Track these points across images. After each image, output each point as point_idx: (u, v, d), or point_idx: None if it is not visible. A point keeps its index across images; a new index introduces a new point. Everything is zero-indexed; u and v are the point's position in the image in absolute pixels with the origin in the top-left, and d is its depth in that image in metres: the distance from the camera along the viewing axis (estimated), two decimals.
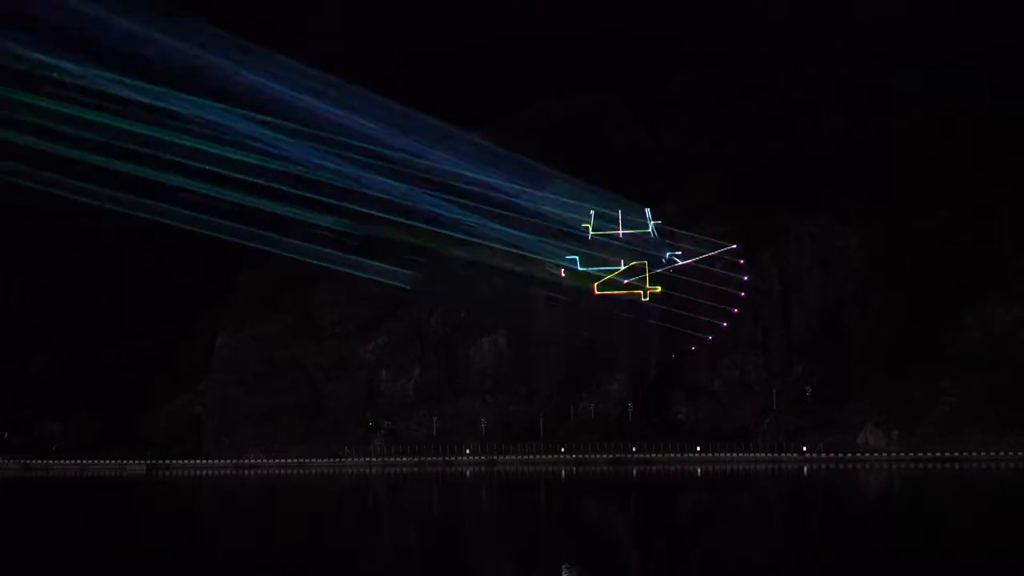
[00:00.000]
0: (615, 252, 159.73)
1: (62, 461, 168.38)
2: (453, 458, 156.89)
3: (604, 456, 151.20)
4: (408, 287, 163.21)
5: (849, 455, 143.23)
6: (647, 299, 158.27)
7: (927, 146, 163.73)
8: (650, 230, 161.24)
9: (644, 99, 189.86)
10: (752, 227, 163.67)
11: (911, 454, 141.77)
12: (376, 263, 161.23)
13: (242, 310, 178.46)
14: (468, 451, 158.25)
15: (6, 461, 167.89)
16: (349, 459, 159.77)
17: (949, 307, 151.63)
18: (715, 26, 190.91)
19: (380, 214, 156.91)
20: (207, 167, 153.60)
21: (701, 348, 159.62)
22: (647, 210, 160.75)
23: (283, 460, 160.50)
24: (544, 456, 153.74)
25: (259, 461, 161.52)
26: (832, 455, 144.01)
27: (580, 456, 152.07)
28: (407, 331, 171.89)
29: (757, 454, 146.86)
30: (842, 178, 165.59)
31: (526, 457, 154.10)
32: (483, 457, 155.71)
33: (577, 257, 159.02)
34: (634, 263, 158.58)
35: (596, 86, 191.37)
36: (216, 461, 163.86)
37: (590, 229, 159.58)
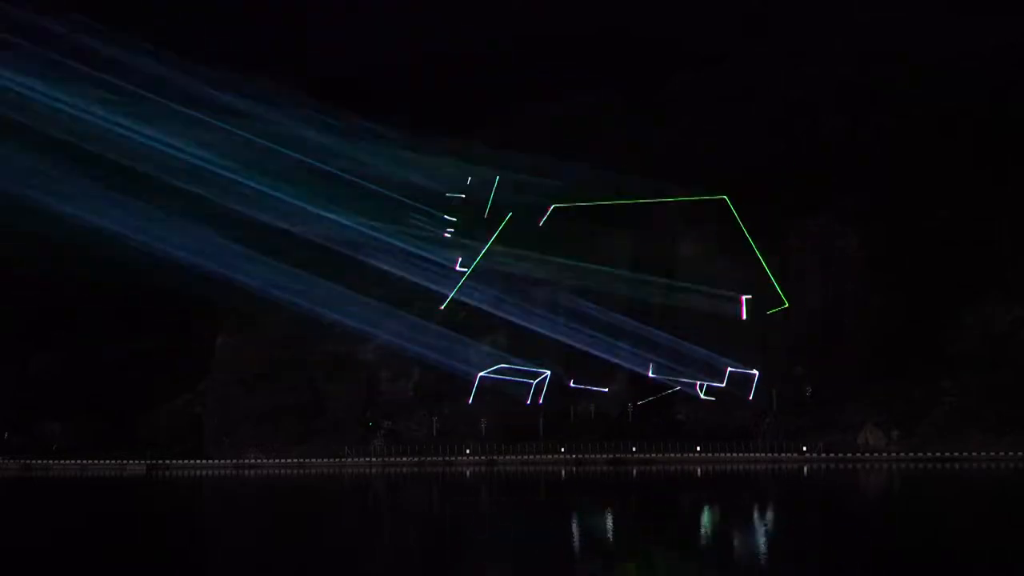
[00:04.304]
0: None
1: (62, 461, 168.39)
2: (453, 458, 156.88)
3: (604, 456, 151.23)
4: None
5: (849, 455, 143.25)
6: None
7: (927, 146, 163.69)
8: None
9: (644, 99, 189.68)
10: (752, 227, 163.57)
11: (911, 454, 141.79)
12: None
13: (242, 310, 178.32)
14: (468, 451, 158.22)
15: (6, 461, 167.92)
16: (349, 459, 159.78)
17: (949, 307, 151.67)
18: (715, 26, 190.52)
19: None
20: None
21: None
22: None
23: (283, 460, 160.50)
24: (544, 456, 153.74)
25: (259, 461, 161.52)
26: (832, 455, 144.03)
27: (580, 456, 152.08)
28: (407, 331, 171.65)
29: (757, 454, 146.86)
30: (842, 178, 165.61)
31: (526, 457, 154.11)
32: (483, 457, 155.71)
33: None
34: None
35: (596, 86, 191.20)
36: (216, 461, 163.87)
37: None
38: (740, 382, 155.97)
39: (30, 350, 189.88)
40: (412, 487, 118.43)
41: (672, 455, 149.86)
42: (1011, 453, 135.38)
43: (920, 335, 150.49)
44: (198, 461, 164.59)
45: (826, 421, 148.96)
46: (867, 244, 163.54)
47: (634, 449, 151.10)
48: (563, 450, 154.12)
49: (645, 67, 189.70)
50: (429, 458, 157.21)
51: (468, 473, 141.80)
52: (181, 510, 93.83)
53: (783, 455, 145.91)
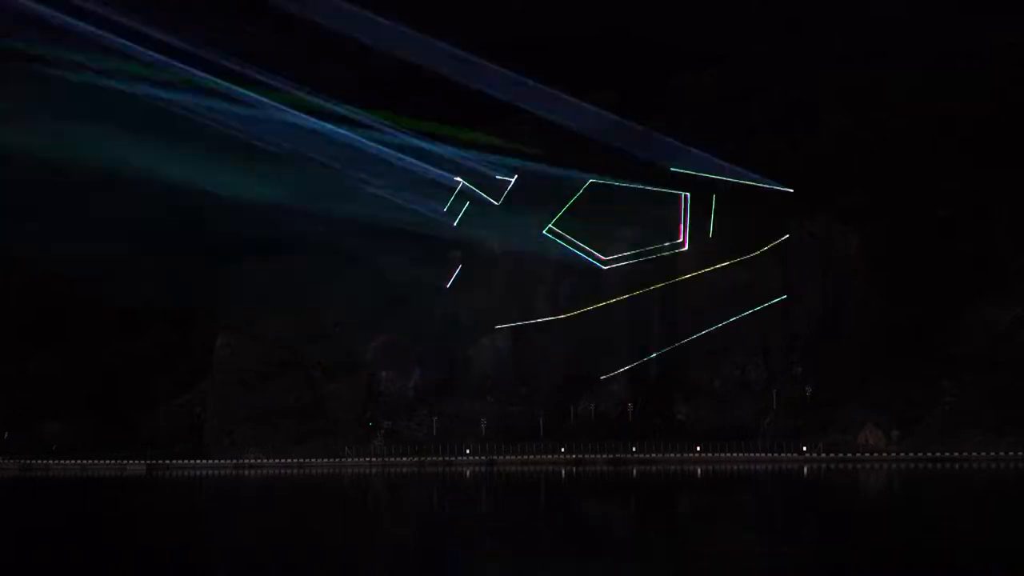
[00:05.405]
0: None
1: (62, 461, 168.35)
2: (453, 458, 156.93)
3: (604, 456, 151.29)
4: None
5: (849, 455, 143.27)
6: None
7: (927, 146, 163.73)
8: None
9: (644, 99, 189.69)
10: (752, 227, 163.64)
11: (911, 454, 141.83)
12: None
13: (242, 310, 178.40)
14: (468, 451, 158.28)
15: (6, 461, 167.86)
16: (349, 459, 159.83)
17: (949, 307, 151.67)
18: (715, 26, 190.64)
19: None
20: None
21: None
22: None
23: (283, 460, 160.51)
24: (544, 456, 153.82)
25: (259, 461, 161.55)
26: (832, 455, 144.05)
27: (580, 456, 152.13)
28: (407, 331, 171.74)
29: (757, 454, 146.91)
30: (842, 178, 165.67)
31: (526, 457, 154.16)
32: (483, 457, 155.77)
33: None
34: None
35: (596, 86, 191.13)
36: (216, 461, 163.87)
37: None
38: None
39: (30, 350, 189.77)
40: (412, 487, 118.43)
41: (672, 455, 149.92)
42: (1011, 453, 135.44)
43: (920, 335, 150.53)
44: (198, 461, 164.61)
45: (826, 421, 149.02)
46: (867, 244, 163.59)
47: (634, 449, 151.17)
48: (563, 450, 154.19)
49: (645, 67, 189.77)
50: (429, 458, 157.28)
51: (468, 473, 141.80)
52: (181, 510, 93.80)
53: (783, 455, 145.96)
